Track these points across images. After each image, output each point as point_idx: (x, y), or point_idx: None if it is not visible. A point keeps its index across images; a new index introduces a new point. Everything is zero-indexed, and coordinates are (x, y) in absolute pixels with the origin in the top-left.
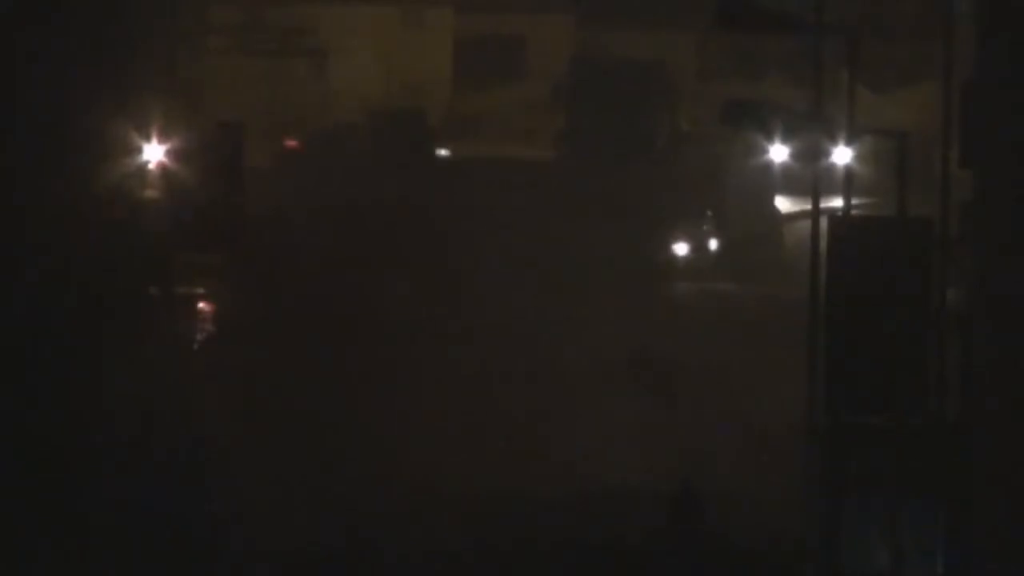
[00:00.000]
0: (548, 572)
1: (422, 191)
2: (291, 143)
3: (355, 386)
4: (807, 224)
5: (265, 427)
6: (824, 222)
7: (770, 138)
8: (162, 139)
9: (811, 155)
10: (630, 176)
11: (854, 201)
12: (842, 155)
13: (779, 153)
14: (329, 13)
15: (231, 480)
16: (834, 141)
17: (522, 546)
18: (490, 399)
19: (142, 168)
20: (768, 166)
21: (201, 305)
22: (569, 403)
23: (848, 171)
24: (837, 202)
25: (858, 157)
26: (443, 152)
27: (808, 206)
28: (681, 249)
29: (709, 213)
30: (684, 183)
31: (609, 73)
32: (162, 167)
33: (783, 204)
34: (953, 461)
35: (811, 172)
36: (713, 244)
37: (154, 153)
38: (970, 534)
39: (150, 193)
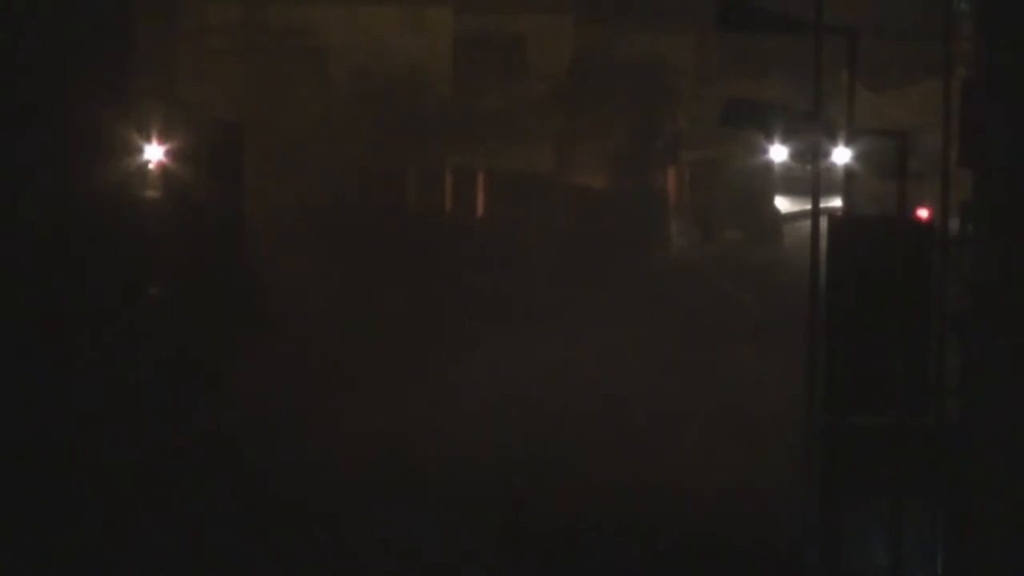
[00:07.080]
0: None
1: (422, 192)
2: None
3: (355, 388)
4: (807, 224)
5: (265, 427)
6: (824, 222)
7: (770, 138)
8: (162, 139)
9: (811, 155)
10: (630, 177)
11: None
12: (842, 155)
13: (779, 153)
14: (329, 13)
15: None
16: (834, 141)
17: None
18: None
19: (142, 168)
20: (768, 166)
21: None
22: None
23: (848, 171)
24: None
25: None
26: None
27: (808, 206)
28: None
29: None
30: (683, 183)
31: (609, 73)
32: (162, 167)
33: (783, 204)
34: (953, 461)
35: (811, 172)
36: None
37: (154, 153)
38: (970, 534)
39: (150, 193)
